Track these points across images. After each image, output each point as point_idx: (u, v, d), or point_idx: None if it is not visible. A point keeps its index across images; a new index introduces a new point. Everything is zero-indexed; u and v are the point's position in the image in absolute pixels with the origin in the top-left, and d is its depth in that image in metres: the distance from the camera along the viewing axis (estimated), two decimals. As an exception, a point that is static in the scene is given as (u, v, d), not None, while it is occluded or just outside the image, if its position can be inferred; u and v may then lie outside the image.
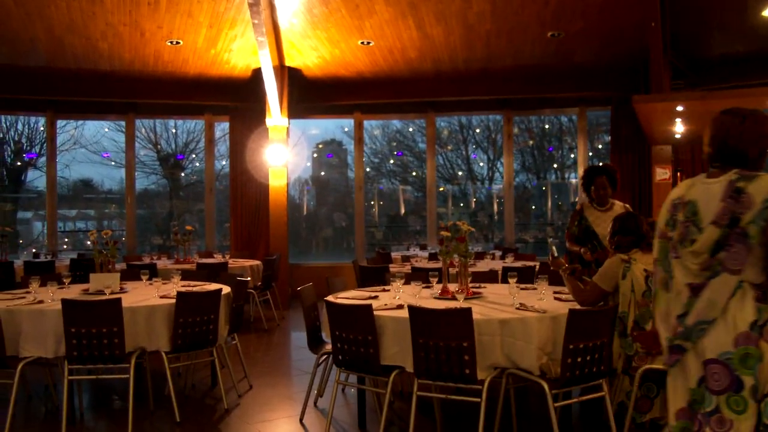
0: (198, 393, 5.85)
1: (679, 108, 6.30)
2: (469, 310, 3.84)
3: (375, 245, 15.42)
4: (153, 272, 7.84)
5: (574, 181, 19.98)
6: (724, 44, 9.53)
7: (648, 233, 4.36)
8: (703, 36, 9.57)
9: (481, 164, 20.77)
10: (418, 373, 4.00)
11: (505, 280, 6.53)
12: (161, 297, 5.26)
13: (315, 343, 5.05)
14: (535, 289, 5.33)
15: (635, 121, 10.98)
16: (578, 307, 4.29)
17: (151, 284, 6.04)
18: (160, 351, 4.89)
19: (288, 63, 10.53)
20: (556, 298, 4.75)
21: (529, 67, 10.69)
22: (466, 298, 4.65)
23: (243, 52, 9.99)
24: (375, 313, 4.18)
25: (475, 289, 5.23)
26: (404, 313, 4.11)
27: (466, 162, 20.76)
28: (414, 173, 20.75)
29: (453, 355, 3.87)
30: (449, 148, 19.93)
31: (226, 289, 5.71)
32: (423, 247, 11.68)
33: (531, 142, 19.96)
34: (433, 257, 9.29)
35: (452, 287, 5.12)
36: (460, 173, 20.77)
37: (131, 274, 6.86)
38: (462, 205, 19.59)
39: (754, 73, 9.58)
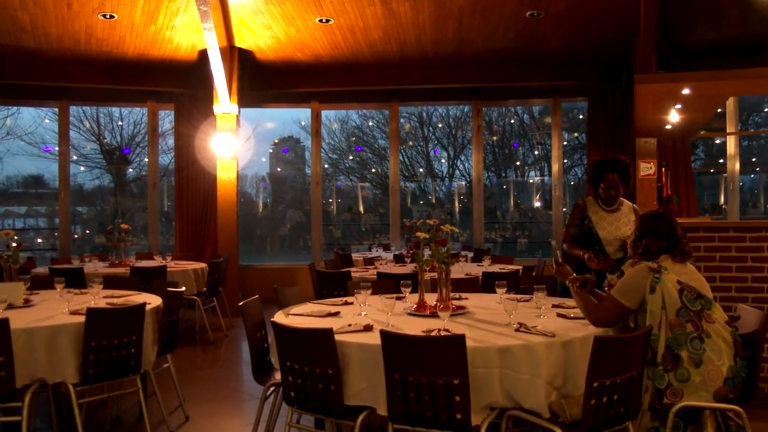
0: (122, 427, 4.85)
1: (685, 91, 5.51)
2: (462, 338, 2.93)
3: (333, 244, 14.66)
4: (78, 278, 6.80)
5: (536, 179, 19.40)
6: (713, 30, 8.79)
7: (682, 238, 3.50)
8: (690, 21, 8.83)
9: (442, 161, 20.21)
10: (394, 416, 3.08)
11: (487, 288, 5.65)
12: (72, 313, 4.24)
13: (262, 371, 4.07)
14: (528, 301, 4.44)
15: (614, 113, 10.33)
16: (593, 329, 3.43)
17: (65, 295, 4.95)
18: (66, 383, 3.89)
19: (238, 44, 9.47)
20: (559, 315, 3.87)
21: (503, 51, 9.81)
22: (450, 315, 3.73)
23: (187, 29, 8.90)
24: (337, 338, 3.23)
25: (457, 302, 4.33)
26: (374, 338, 3.18)
27: (425, 158, 20.15)
28: (373, 170, 20.12)
29: (440, 395, 2.96)
30: (410, 144, 19.30)
31: (155, 302, 4.72)
32: (386, 248, 10.79)
33: (495, 138, 19.37)
34: (399, 259, 8.40)
35: (430, 299, 4.21)
36: (420, 170, 20.14)
37: (51, 281, 5.78)
38: (422, 203, 18.98)
39: (744, 61, 8.88)
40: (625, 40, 9.20)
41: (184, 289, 5.04)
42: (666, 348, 3.28)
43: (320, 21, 8.67)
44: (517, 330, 3.41)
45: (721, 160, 16.13)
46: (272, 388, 3.95)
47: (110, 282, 5.73)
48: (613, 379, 2.94)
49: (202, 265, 8.43)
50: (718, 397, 3.23)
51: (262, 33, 9.12)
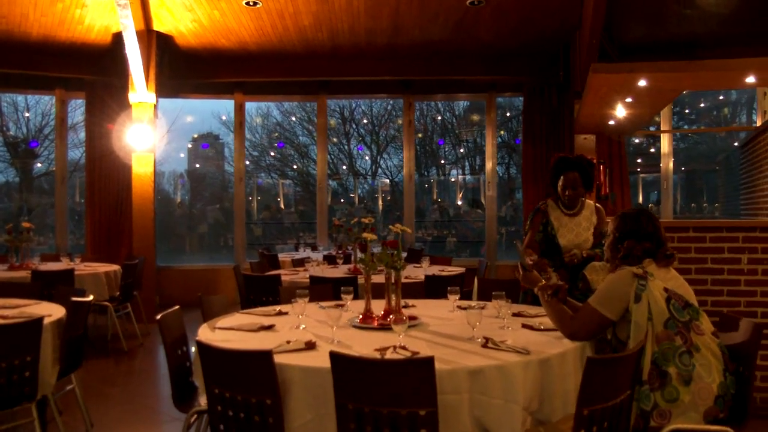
0: (16, 459, 4.17)
1: (642, 83, 5.22)
2: (430, 362, 2.44)
3: (254, 243, 14.05)
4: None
5: (459, 177, 19.25)
6: (651, 27, 8.58)
7: (666, 240, 3.12)
8: (629, 18, 8.62)
9: (366, 158, 19.93)
10: (345, 453, 2.57)
11: (431, 293, 5.19)
12: (-48, 329, 3.56)
13: (184, 395, 3.49)
14: (483, 308, 3.98)
15: (550, 109, 10.08)
16: (569, 343, 3.01)
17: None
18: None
19: (157, 27, 8.72)
20: (525, 326, 3.43)
21: (439, 43, 9.39)
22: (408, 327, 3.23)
23: (100, 8, 8.06)
24: (276, 359, 2.70)
25: (405, 311, 3.83)
26: (319, 359, 2.68)
27: (348, 156, 19.81)
28: (295, 167, 19.68)
29: (402, 428, 2.46)
30: (333, 140, 18.92)
31: (57, 313, 4.07)
32: (314, 248, 10.25)
33: (419, 135, 19.17)
34: (330, 260, 7.89)
35: (375, 308, 3.70)
36: (343, 167, 19.80)
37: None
38: (343, 201, 18.63)
39: (682, 59, 8.76)
40: (563, 34, 8.95)
41: (92, 297, 4.37)
42: (652, 364, 2.88)
43: (247, 4, 8.01)
44: (484, 346, 2.96)
45: (639, 160, 16.31)
46: (196, 416, 3.37)
47: (5, 289, 5.00)
48: (605, 404, 2.52)
49: (116, 267, 7.69)
50: (709, 418, 2.86)
51: (183, 15, 8.40)
